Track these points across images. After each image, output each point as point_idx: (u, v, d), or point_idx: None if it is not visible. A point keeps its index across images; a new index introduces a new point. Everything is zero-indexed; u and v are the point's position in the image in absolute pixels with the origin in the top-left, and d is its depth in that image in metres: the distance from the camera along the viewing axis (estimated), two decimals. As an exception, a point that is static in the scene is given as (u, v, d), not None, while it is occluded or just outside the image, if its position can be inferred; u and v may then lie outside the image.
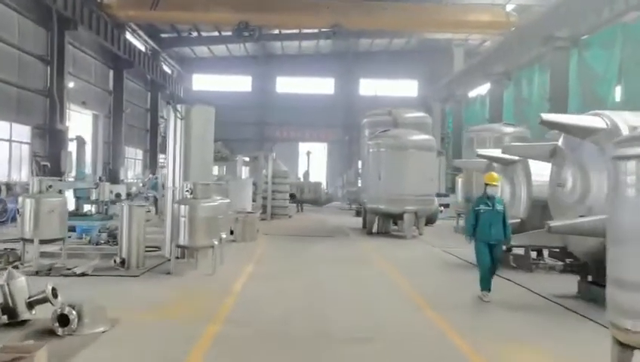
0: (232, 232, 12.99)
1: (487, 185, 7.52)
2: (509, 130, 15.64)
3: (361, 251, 11.70)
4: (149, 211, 9.62)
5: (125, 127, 30.47)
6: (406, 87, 42.84)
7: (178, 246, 8.26)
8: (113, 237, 10.33)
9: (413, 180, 14.30)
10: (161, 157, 37.08)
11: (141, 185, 24.93)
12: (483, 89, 32.80)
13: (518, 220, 9.26)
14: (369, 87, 42.81)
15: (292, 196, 23.66)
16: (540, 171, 9.19)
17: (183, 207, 8.24)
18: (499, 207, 7.36)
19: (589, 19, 19.17)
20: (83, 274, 7.82)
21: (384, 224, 15.69)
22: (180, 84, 41.21)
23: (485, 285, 7.26)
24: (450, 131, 35.39)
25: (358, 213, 23.77)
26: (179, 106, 10.03)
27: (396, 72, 41.72)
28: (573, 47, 21.00)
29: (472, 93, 33.97)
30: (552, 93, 21.25)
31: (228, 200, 9.64)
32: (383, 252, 11.44)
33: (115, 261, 8.32)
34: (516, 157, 9.42)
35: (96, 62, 26.44)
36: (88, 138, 26.59)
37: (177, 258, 8.95)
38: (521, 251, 9.93)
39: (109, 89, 27.99)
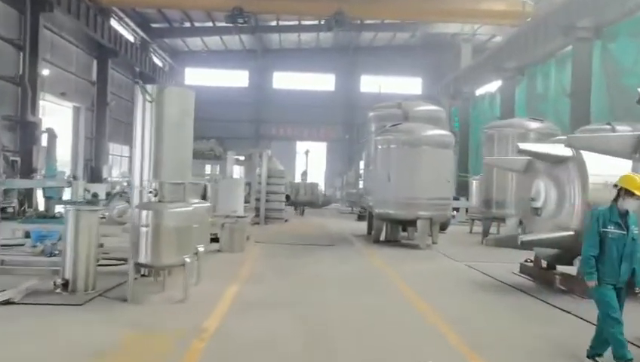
0: (216, 239, 11.07)
1: (625, 193, 4.75)
2: (535, 125, 13.73)
3: (371, 266, 9.76)
4: (103, 218, 7.59)
5: (111, 121, 28.51)
6: (410, 85, 40.93)
7: (137, 264, 6.31)
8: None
9: (427, 181, 12.39)
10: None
11: (125, 184, 23.04)
12: (492, 86, 31.00)
13: (571, 233, 7.36)
14: (371, 83, 40.89)
15: (287, 198, 21.70)
16: (599, 170, 7.32)
17: (144, 213, 6.30)
18: (635, 231, 4.77)
19: (614, 8, 17.37)
20: (8, 302, 5.87)
21: (393, 231, 13.78)
22: (172, 77, 39.22)
23: (604, 349, 4.72)
24: (457, 130, 33.49)
25: (360, 217, 21.87)
26: (149, 86, 8.09)
27: (399, 68, 39.83)
28: (597, 38, 19.21)
29: (481, 91, 32.10)
30: (573, 88, 19.37)
31: (208, 205, 7.70)
32: (397, 267, 9.51)
33: (54, 283, 6.38)
34: (568, 154, 7.52)
35: (78, 51, 24.47)
36: (68, 132, 24.63)
37: (143, 275, 7.02)
38: (567, 268, 8.08)
39: (93, 80, 26.02)
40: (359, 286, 7.74)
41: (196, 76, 41.55)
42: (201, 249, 7.36)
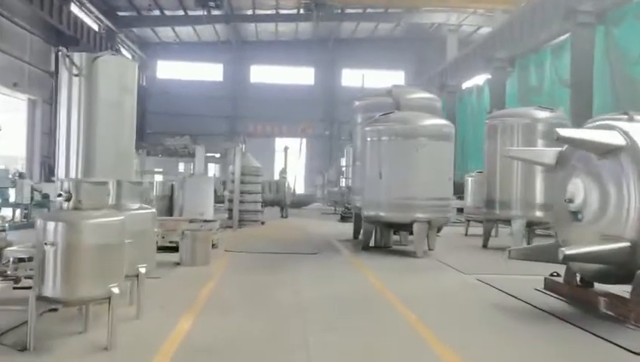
0: (176, 248, 9.22)
1: None
2: (544, 114, 12.11)
3: (364, 284, 7.96)
4: (3, 230, 5.65)
5: (73, 116, 26.30)
6: (392, 78, 39.05)
7: (40, 298, 4.41)
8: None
9: (425, 179, 10.68)
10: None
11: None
12: (480, 79, 29.58)
13: (626, 244, 5.68)
14: (352, 77, 39.15)
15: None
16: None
17: (50, 226, 4.41)
18: None
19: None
20: None
21: (384, 236, 12.04)
22: (143, 71, 36.99)
23: None
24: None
25: (344, 218, 20.14)
26: (76, 55, 6.18)
27: (382, 61, 38.14)
28: (599, 22, 17.76)
29: (468, 84, 30.60)
30: (573, 78, 17.90)
31: (151, 211, 5.81)
32: (395, 285, 7.72)
33: None
34: (621, 143, 5.83)
35: (32, 37, 22.21)
36: (22, 127, 22.43)
37: (52, 310, 5.12)
38: (610, 287, 6.43)
39: (51, 70, 23.75)
40: (353, 317, 5.92)
41: (168, 69, 39.40)
42: (142, 270, 5.49)
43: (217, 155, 32.50)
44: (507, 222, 12.70)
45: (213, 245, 10.65)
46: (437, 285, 7.98)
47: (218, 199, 23.05)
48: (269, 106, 37.63)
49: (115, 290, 4.56)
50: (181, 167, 33.14)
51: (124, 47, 33.89)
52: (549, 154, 6.81)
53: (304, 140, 38.38)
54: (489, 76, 26.80)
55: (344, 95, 37.74)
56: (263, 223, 17.26)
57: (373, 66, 38.58)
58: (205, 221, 11.21)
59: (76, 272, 4.40)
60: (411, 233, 11.32)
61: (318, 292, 7.13)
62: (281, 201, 19.93)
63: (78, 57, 6.13)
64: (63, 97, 6.22)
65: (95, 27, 28.63)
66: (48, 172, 22.95)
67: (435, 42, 35.87)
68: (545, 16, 19.91)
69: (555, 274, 7.40)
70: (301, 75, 39.76)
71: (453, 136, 11.19)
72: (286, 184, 20.19)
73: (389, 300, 6.81)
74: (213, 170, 33.52)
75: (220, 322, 5.55)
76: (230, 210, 16.30)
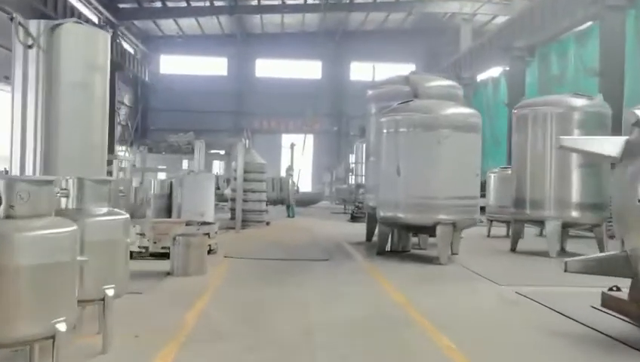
0: (167, 254, 8.06)
1: None
2: (581, 102, 10.82)
3: (383, 299, 6.74)
4: None
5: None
6: (402, 71, 37.77)
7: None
8: None
9: (449, 175, 9.46)
10: (119, 149, 32.00)
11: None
12: (495, 71, 28.30)
13: None
14: (361, 70, 37.89)
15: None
16: None
17: (-32, 240, 3.25)
18: None
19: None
20: None
21: (402, 239, 10.83)
22: (145, 65, 35.94)
23: None
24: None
25: (354, 218, 18.96)
26: (32, 22, 5.00)
27: (392, 54, 36.75)
28: (631, 6, 16.48)
29: (483, 76, 29.28)
30: (602, 66, 16.58)
31: (122, 217, 4.61)
32: (422, 301, 6.50)
33: None
34: None
35: (25, 28, 21.08)
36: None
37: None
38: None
39: (46, 63, 22.65)
40: (374, 348, 4.70)
41: (172, 64, 38.32)
42: (109, 292, 4.31)
43: (222, 152, 31.43)
44: (539, 223, 11.47)
45: (211, 250, 9.51)
46: (470, 300, 6.75)
47: (223, 198, 21.87)
48: (274, 101, 36.45)
49: (61, 327, 3.37)
50: (185, 164, 32.08)
51: (125, 40, 32.82)
52: (613, 143, 5.56)
53: (310, 136, 37.19)
54: (505, 67, 25.56)
55: (353, 89, 36.51)
56: (268, 224, 16.09)
57: (383, 59, 37.25)
58: (203, 223, 10.05)
59: (6, 304, 3.23)
60: (432, 235, 10.14)
61: (331, 312, 5.92)
62: (285, 200, 18.70)
63: (34, 26, 4.95)
64: (17, 76, 5.06)
65: (94, 19, 27.54)
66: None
67: (448, 33, 34.53)
68: (569, 2, 18.61)
69: (615, 288, 6.18)
70: (308, 69, 38.53)
71: (480, 127, 9.95)
72: (290, 181, 18.92)
73: (415, 321, 5.60)
74: (217, 167, 32.45)
75: (208, 358, 4.36)
76: (233, 210, 15.15)
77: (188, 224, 9.97)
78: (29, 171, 5.01)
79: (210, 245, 9.50)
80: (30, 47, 4.78)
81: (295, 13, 32.51)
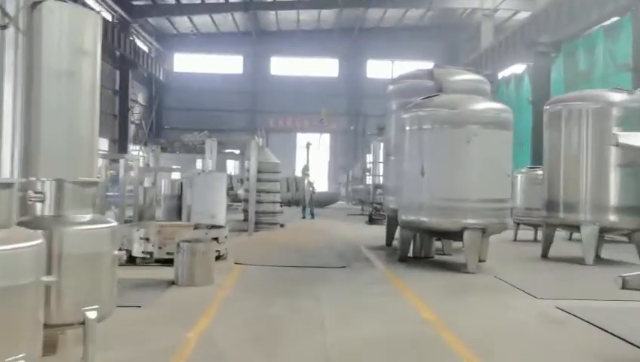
0: (173, 261, 7.41)
1: None
2: (620, 97, 9.98)
3: (409, 315, 6.01)
4: None
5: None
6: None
7: None
8: None
9: (478, 176, 8.71)
10: (133, 148, 31.60)
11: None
12: (517, 68, 27.38)
13: None
14: (378, 68, 37.16)
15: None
16: None
17: None
18: None
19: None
20: None
21: (425, 244, 10.09)
22: (160, 64, 35.53)
23: None
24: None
25: (372, 220, 18.22)
26: (10, 1, 4.36)
27: (409, 51, 35.92)
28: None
29: (504, 73, 28.34)
30: (636, 61, 15.66)
31: (109, 225, 3.95)
32: (450, 316, 5.77)
33: None
34: None
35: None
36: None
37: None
38: None
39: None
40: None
41: (186, 62, 37.88)
42: (90, 315, 3.66)
43: (237, 152, 30.86)
44: (573, 227, 10.65)
45: (220, 256, 8.87)
46: (508, 318, 5.99)
47: (237, 198, 21.24)
48: (290, 100, 35.84)
49: (18, 367, 2.71)
50: (199, 164, 31.57)
51: (139, 38, 32.43)
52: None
53: (326, 135, 36.51)
54: (528, 64, 24.67)
55: (370, 87, 35.81)
56: (282, 226, 15.43)
57: (401, 57, 36.54)
58: (212, 227, 9.41)
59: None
60: (457, 240, 9.38)
61: (351, 331, 5.21)
62: (300, 201, 17.98)
63: (13, 3, 4.31)
64: (-7, 62, 4.41)
65: (108, 16, 27.13)
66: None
67: (467, 30, 33.66)
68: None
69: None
70: (324, 67, 37.83)
71: (512, 124, 9.16)
72: (306, 181, 18.17)
73: (448, 344, 4.87)
74: (232, 166, 31.91)
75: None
76: (246, 211, 14.53)
77: (196, 227, 9.35)
78: (5, 173, 4.38)
79: (219, 251, 8.87)
80: (5, 27, 4.16)
81: (310, 10, 31.85)
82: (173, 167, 25.60)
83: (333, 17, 33.59)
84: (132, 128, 32.33)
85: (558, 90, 21.35)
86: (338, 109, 36.62)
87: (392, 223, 11.49)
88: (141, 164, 30.84)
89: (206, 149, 13.83)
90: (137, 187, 12.17)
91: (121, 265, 8.34)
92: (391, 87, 11.68)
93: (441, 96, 9.40)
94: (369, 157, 28.12)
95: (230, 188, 16.88)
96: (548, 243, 10.76)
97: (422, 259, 9.90)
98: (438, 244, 10.56)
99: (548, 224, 10.70)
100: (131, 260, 8.45)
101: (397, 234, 11.01)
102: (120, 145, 28.94)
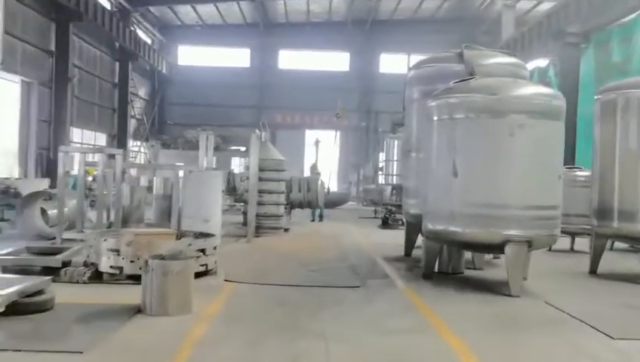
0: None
1: None
2: (688, 85, 8.32)
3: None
4: None
5: (79, 102, 23.56)
6: (437, 64, 35.41)
7: None
8: None
9: (524, 178, 7.11)
10: (134, 144, 30.22)
11: (90, 179, 18.15)
12: (541, 61, 25.71)
13: None
14: (392, 63, 35.48)
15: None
16: None
17: None
18: None
19: None
20: None
21: (453, 257, 8.48)
22: (163, 56, 34.09)
23: None
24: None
25: (385, 224, 16.64)
26: None
27: (425, 45, 33.79)
28: None
29: (528, 66, 26.63)
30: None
31: None
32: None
33: None
34: None
35: (25, 10, 19.33)
36: (15, 113, 19.60)
37: None
38: None
39: (50, 48, 20.86)
40: None
41: (190, 55, 36.40)
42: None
43: (243, 149, 29.34)
44: (630, 239, 8.99)
45: (208, 271, 7.34)
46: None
47: (241, 198, 19.70)
48: (298, 95, 34.25)
49: None
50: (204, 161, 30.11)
51: (141, 28, 31.00)
52: None
53: (338, 132, 34.91)
54: (552, 57, 23.02)
55: (382, 82, 34.20)
56: (286, 230, 13.84)
57: (415, 51, 34.61)
58: (200, 235, 7.84)
59: None
60: (495, 254, 7.78)
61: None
62: (313, 203, 16.36)
63: None
64: None
65: (107, 5, 25.69)
66: (46, 167, 20.17)
67: (485, 22, 31.93)
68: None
69: None
70: (335, 61, 36.16)
71: (564, 114, 7.51)
72: (319, 182, 16.56)
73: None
74: (238, 164, 30.41)
75: None
76: (245, 213, 12.97)
77: (180, 236, 7.80)
78: None
79: (206, 264, 7.32)
80: None
81: (321, 0, 30.23)
82: (177, 164, 24.11)
83: (345, 9, 31.98)
84: (133, 123, 30.92)
85: (588, 84, 19.71)
86: (349, 105, 34.95)
87: (413, 230, 9.90)
88: (142, 161, 29.33)
89: (200, 144, 12.29)
90: (119, 186, 10.64)
91: (84, 282, 6.87)
92: (412, 73, 10.04)
93: (477, 79, 7.77)
94: (382, 156, 26.52)
95: (233, 188, 15.30)
96: (598, 256, 9.10)
97: (450, 276, 8.30)
98: (467, 255, 8.96)
99: (598, 234, 9.04)
100: (98, 276, 6.93)
101: (418, 242, 9.45)
102: (119, 140, 27.52)
